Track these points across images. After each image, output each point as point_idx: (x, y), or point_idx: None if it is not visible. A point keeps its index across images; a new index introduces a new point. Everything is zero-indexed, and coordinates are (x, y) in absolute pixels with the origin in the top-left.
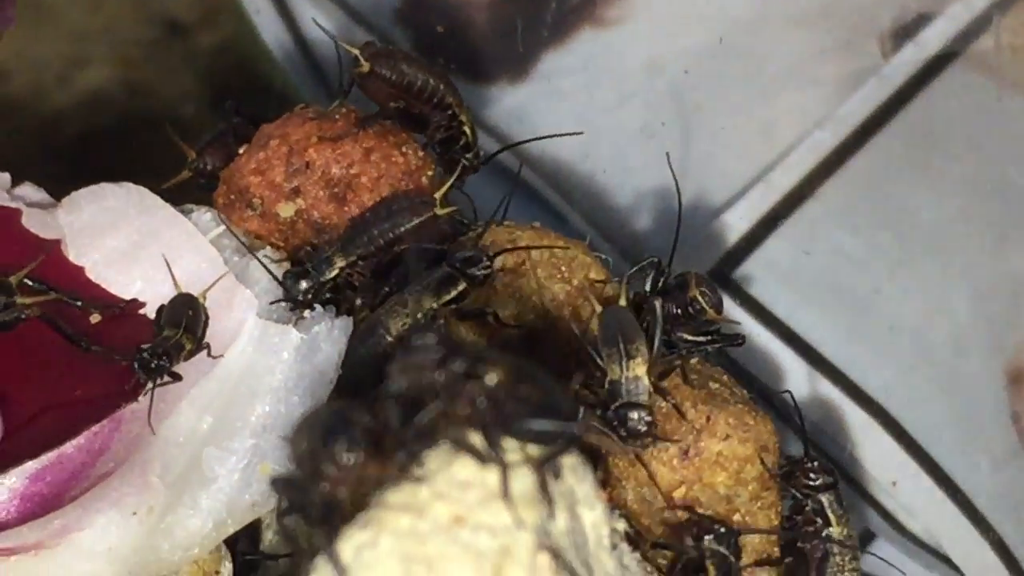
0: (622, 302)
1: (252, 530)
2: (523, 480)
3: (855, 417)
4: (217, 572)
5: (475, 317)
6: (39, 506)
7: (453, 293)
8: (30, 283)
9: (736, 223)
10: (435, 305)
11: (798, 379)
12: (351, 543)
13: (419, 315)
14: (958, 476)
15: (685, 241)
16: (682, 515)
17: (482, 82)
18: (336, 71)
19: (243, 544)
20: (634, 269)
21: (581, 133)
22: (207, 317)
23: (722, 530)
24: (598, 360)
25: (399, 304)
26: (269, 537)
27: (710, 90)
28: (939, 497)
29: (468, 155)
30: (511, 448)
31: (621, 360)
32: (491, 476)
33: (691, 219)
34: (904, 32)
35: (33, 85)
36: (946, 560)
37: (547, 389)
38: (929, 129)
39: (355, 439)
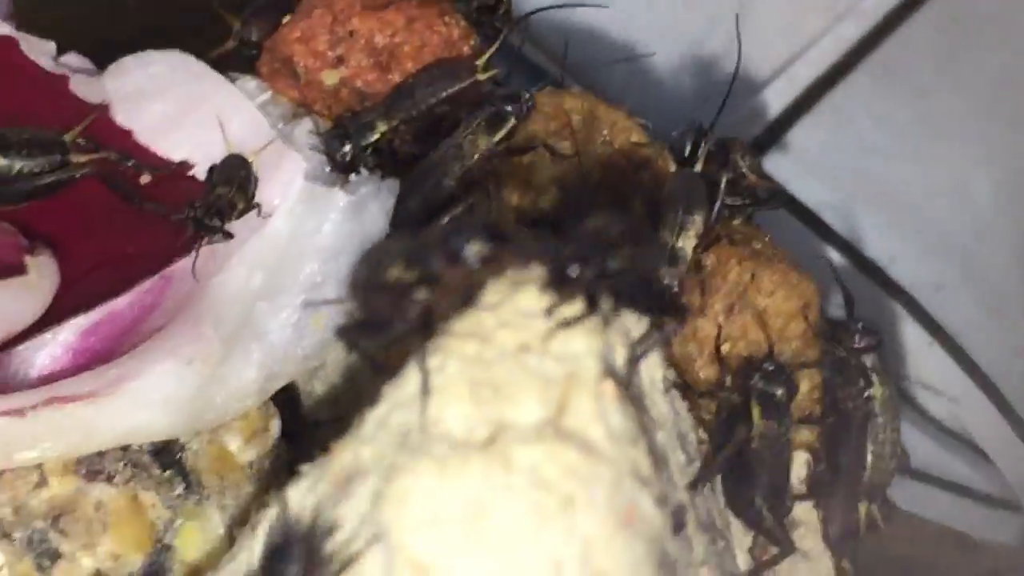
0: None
1: (292, 403)
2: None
3: (880, 303)
4: (266, 429)
5: (527, 151)
6: (92, 360)
7: (503, 130)
8: (82, 142)
9: (762, 111)
10: (490, 143)
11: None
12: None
13: (475, 155)
14: (983, 361)
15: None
16: (730, 364)
17: None
18: None
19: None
20: (677, 133)
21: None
22: (257, 178)
23: (771, 367)
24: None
25: (454, 147)
26: (309, 404)
27: None
28: (964, 382)
29: (505, 20)
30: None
31: (675, 228)
32: (556, 307)
33: (715, 107)
34: None
35: None
36: (970, 444)
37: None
38: (954, 21)
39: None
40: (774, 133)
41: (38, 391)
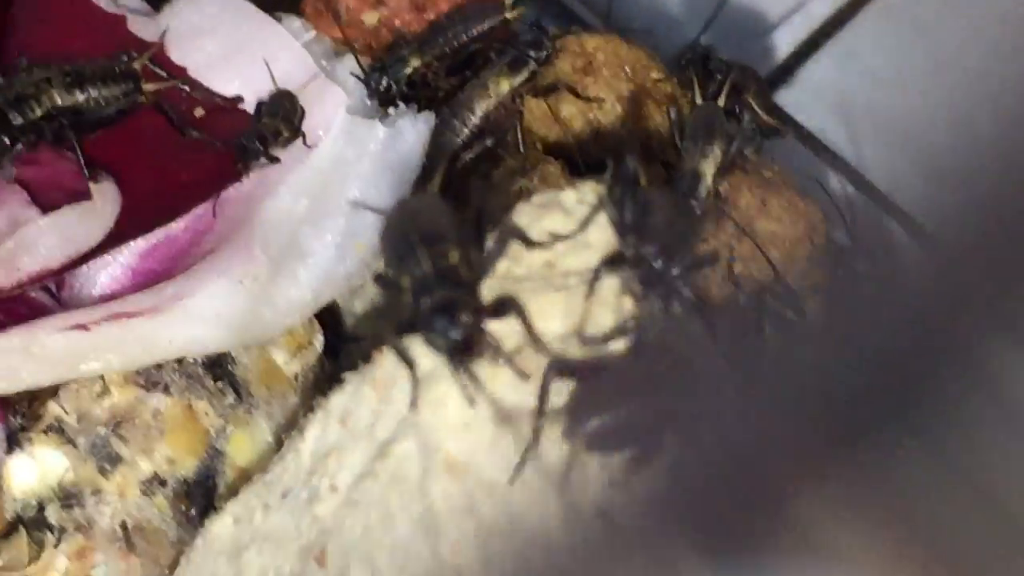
0: (698, 100)
1: (334, 320)
2: (607, 232)
3: (890, 231)
4: (310, 343)
5: (550, 92)
6: (150, 280)
7: (525, 73)
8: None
9: (776, 49)
10: (512, 85)
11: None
12: None
13: (498, 96)
14: None
15: None
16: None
17: None
18: None
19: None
20: (683, 60)
21: None
22: (303, 110)
23: (780, 288)
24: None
25: (479, 87)
26: (351, 321)
27: None
28: None
29: None
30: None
31: (695, 156)
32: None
33: (730, 44)
34: None
35: None
36: None
37: None
38: None
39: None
40: (787, 69)
41: (101, 307)
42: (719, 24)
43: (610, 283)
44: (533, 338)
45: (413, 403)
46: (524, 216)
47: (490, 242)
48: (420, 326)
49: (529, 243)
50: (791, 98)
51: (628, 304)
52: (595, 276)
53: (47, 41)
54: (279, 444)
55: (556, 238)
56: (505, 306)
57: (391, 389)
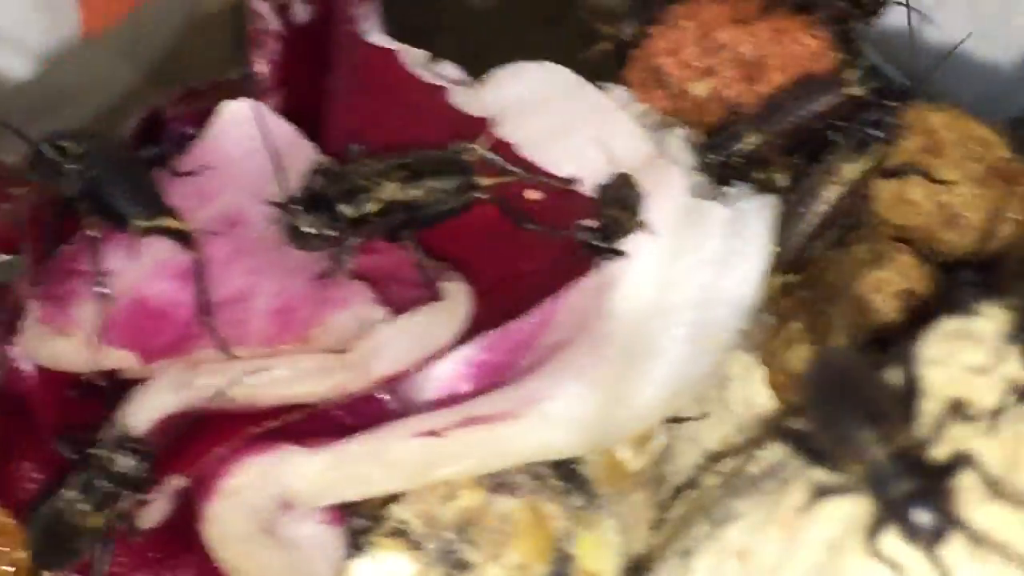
0: None
1: None
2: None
3: None
4: (651, 437)
5: (901, 174)
6: (490, 373)
7: (873, 156)
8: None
9: None
10: (860, 169)
11: None
12: None
13: (846, 181)
14: None
15: None
16: None
17: None
18: None
19: None
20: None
21: None
22: (643, 195)
23: None
24: None
25: (826, 173)
26: None
27: None
28: None
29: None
30: None
31: None
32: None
33: None
34: None
35: None
36: None
37: None
38: None
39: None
40: None
41: (452, 410)
42: None
43: None
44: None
45: None
46: (933, 348)
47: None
48: (890, 516)
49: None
50: None
51: None
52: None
53: (366, 114)
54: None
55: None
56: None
57: (801, 531)
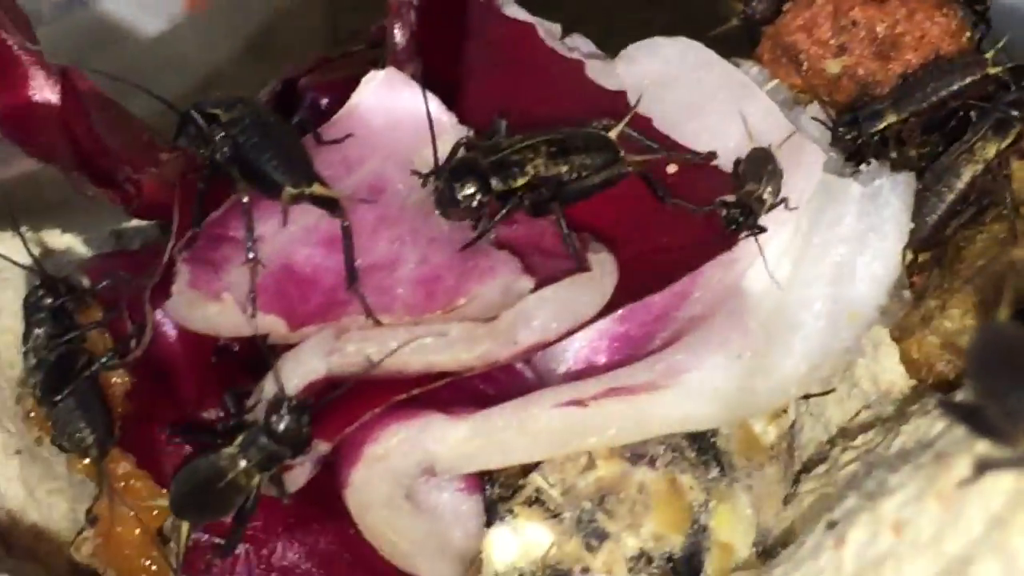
0: None
1: None
2: None
3: None
4: (784, 411)
5: None
6: (626, 346)
7: (1012, 135)
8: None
9: None
10: (999, 148)
11: None
12: None
13: (985, 161)
14: None
15: None
16: None
17: None
18: None
19: None
20: None
21: None
22: (782, 172)
23: None
24: None
25: (965, 152)
26: None
27: None
28: None
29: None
30: None
31: None
32: None
33: None
34: None
35: None
36: None
37: None
38: None
39: None
40: None
41: (596, 380)
42: None
43: None
44: None
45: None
46: None
47: None
48: None
49: None
50: None
51: None
52: None
53: (506, 87)
54: (757, 518)
55: None
56: None
57: (962, 504)
